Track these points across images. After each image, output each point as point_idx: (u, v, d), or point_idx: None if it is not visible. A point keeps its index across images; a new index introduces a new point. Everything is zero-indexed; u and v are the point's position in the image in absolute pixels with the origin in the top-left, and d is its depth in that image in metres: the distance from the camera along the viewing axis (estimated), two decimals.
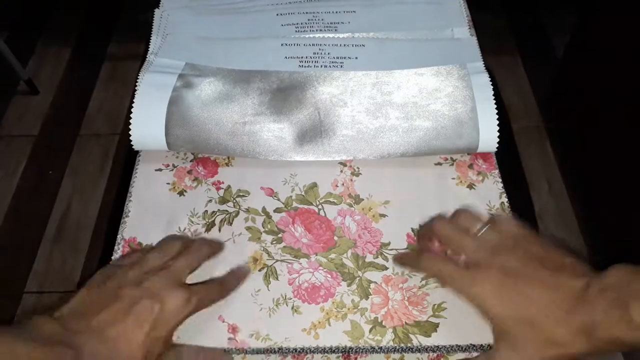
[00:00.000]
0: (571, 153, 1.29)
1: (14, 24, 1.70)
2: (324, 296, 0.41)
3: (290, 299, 0.40)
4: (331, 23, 0.54)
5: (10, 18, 1.70)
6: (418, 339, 0.38)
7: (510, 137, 0.53)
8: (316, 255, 0.42)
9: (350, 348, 0.38)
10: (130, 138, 0.46)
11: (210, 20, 0.55)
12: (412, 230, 0.44)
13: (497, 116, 0.45)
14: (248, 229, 0.44)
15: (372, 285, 0.41)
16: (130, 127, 0.46)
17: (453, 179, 0.46)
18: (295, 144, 0.46)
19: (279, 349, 0.38)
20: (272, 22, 0.55)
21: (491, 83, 0.47)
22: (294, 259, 0.42)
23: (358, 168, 0.47)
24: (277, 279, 0.41)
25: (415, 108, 0.46)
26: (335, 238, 0.43)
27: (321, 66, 0.50)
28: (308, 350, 0.38)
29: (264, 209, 0.45)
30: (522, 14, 1.65)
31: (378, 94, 0.47)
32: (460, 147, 0.46)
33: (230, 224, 0.44)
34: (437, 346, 0.38)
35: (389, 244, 0.43)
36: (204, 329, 0.39)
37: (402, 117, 0.46)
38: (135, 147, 0.47)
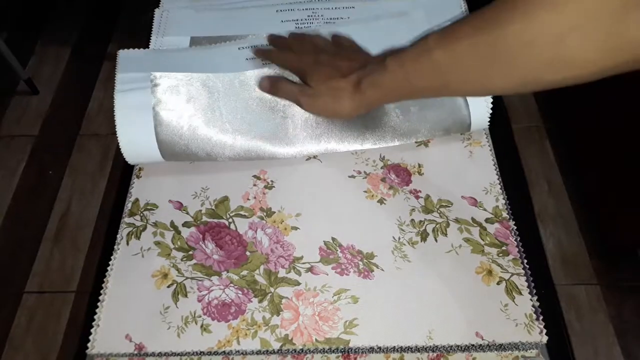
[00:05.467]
0: (571, 153, 1.28)
1: (14, 24, 1.70)
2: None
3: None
4: (331, 19, 0.55)
5: (10, 18, 1.70)
6: None
7: (510, 137, 0.53)
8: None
9: (349, 348, 0.38)
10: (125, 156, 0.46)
11: (210, 18, 0.56)
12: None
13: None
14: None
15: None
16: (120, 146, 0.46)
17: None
18: (283, 141, 0.46)
19: None
20: (272, 19, 0.55)
21: None
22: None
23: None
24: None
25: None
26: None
27: None
28: (308, 351, 0.38)
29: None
30: None
31: None
32: (453, 127, 0.46)
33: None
34: (437, 346, 0.38)
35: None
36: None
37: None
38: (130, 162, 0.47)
